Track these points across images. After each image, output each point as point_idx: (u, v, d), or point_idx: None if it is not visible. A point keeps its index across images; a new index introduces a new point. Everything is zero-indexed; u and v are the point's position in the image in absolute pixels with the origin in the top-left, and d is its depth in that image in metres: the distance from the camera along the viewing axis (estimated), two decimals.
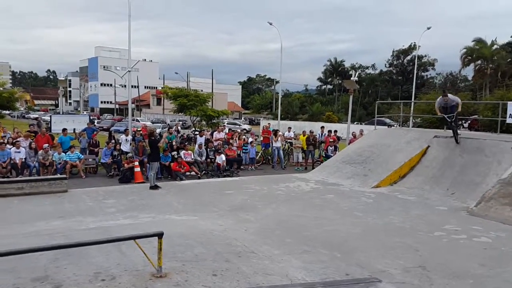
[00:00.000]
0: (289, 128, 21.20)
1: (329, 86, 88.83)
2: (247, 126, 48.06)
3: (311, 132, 18.55)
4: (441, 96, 12.59)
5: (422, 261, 6.23)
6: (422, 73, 73.28)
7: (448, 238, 7.46)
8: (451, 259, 6.34)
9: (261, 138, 19.51)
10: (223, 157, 15.85)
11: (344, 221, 8.63)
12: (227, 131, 20.72)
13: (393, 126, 24.85)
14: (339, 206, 10.03)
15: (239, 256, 6.14)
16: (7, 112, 44.99)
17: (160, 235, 4.97)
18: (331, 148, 17.66)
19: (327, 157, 17.14)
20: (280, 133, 18.80)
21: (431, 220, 8.71)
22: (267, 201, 10.48)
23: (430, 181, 11.82)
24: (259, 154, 18.73)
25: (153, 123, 44.28)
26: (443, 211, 9.53)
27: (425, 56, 73.48)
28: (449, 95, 12.65)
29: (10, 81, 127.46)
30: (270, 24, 31.90)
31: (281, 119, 33.74)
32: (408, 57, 76.67)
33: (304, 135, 18.50)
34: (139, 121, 42.62)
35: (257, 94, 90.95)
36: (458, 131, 12.84)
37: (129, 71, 22.12)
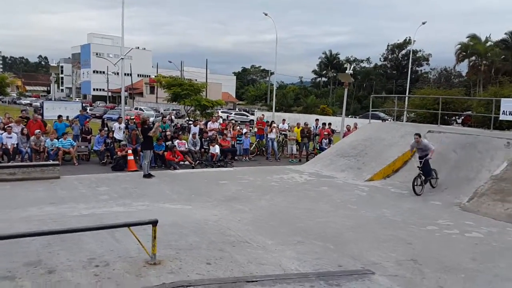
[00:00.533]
0: (284, 120, 21.17)
1: (323, 79, 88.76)
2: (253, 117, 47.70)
3: (305, 124, 18.54)
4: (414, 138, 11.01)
5: (414, 254, 6.28)
6: (417, 68, 73.53)
7: (441, 232, 7.53)
8: (443, 253, 6.40)
9: (255, 130, 19.46)
10: (217, 147, 15.80)
11: (338, 213, 8.68)
12: (221, 122, 20.64)
13: (387, 120, 24.91)
14: (332, 198, 10.08)
15: (233, 245, 6.14)
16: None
17: (154, 223, 4.95)
18: (325, 140, 17.68)
19: (321, 149, 17.17)
20: (274, 124, 18.77)
21: (423, 214, 8.79)
22: (261, 192, 10.49)
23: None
24: (253, 145, 18.70)
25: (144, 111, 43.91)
26: (436, 205, 9.62)
27: (420, 51, 73.76)
28: (424, 140, 11.07)
29: (1, 66, 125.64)
30: (266, 14, 31.65)
31: (276, 110, 33.69)
32: (403, 52, 76.85)
33: (298, 127, 18.48)
34: (143, 110, 41.61)
35: (252, 85, 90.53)
36: (432, 181, 10.94)
37: (122, 58, 21.83)
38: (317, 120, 20.83)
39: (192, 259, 5.34)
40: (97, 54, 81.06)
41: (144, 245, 4.95)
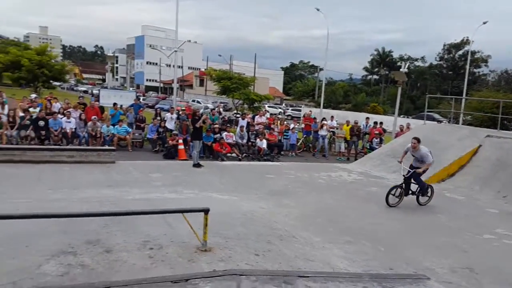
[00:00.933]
0: (332, 117, 20.83)
1: (375, 77, 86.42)
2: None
3: (355, 122, 18.13)
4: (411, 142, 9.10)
5: (470, 263, 5.97)
6: (474, 70, 69.68)
7: (499, 242, 7.10)
8: (503, 264, 6.03)
9: (303, 125, 19.28)
10: (264, 141, 15.85)
11: (388, 215, 8.41)
12: (268, 116, 20.68)
13: (443, 122, 23.81)
14: (382, 200, 9.77)
15: (281, 239, 6.13)
16: (58, 83, 46.95)
17: (206, 211, 5.04)
18: (376, 140, 17.21)
19: (372, 149, 16.74)
20: (325, 121, 18.51)
21: (480, 222, 8.32)
22: (308, 188, 10.39)
23: (480, 181, 11.26)
24: (300, 141, 18.57)
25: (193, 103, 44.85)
26: (493, 213, 9.08)
27: (478, 52, 69.70)
28: (423, 148, 8.84)
29: (61, 54, 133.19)
30: (318, 10, 31.21)
31: (324, 107, 33.18)
32: (460, 52, 73.07)
33: (348, 125, 18.12)
34: (200, 103, 42.36)
35: (299, 81, 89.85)
36: (421, 198, 9.18)
37: (175, 51, 22.43)
38: (367, 118, 20.31)
39: (241, 249, 5.40)
40: (150, 46, 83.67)
41: (195, 231, 5.05)
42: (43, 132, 13.76)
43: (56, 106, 16.69)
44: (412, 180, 8.94)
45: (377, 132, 17.55)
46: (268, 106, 43.73)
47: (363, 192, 10.37)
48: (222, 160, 14.23)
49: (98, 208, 6.41)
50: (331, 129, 18.84)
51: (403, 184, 8.93)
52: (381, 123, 18.90)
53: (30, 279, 4.06)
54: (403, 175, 8.88)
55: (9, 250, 4.73)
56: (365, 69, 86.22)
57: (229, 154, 15.03)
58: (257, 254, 5.30)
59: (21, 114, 14.41)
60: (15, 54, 31.97)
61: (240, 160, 14.89)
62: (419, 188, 9.07)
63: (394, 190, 8.84)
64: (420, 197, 9.17)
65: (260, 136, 16.14)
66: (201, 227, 5.15)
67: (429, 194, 9.27)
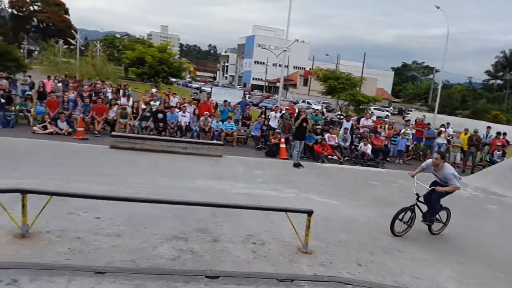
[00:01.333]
0: (448, 123, 19.15)
1: (498, 81, 77.23)
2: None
3: (475, 131, 16.40)
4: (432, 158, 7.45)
5: None
6: None
7: None
8: None
9: (413, 131, 18.07)
10: (369, 146, 15.25)
11: (509, 237, 7.48)
12: (374, 119, 19.82)
13: None
14: (502, 220, 8.74)
15: (385, 251, 5.85)
16: (174, 80, 51.07)
17: (310, 213, 5.04)
18: (498, 152, 15.38)
19: (492, 162, 15.02)
20: (443, 129, 17.09)
21: None
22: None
23: None
24: (410, 147, 17.42)
25: (295, 103, 45.07)
26: None
27: None
28: (447, 166, 7.16)
29: (178, 53, 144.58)
30: (438, 8, 28.92)
31: (438, 112, 30.71)
32: None
33: (466, 134, 16.49)
34: (310, 104, 42.10)
35: (411, 83, 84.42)
36: (434, 226, 7.28)
37: (284, 50, 22.76)
38: (488, 127, 18.24)
39: (342, 256, 5.28)
40: (259, 45, 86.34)
41: (297, 232, 5.08)
42: (161, 124, 15.08)
43: (174, 100, 18.17)
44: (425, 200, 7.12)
45: (499, 143, 15.67)
46: (374, 109, 41.99)
47: (479, 210, 9.37)
48: (323, 162, 14.07)
49: (207, 199, 6.80)
50: (447, 138, 17.32)
51: (415, 206, 7.00)
52: (504, 133, 16.85)
53: (146, 259, 4.49)
54: (416, 194, 6.99)
55: (130, 230, 5.28)
56: (488, 72, 77.38)
57: (330, 157, 14.79)
58: (360, 264, 5.13)
59: (143, 106, 16.04)
60: (140, 51, 35.68)
61: (341, 163, 14.55)
62: (429, 211, 7.09)
63: (403, 214, 6.89)
64: (431, 223, 7.16)
65: (364, 140, 15.57)
66: (302, 228, 5.16)
67: (444, 220, 7.39)
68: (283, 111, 17.76)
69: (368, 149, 15.11)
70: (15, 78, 21.02)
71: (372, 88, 61.33)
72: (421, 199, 6.95)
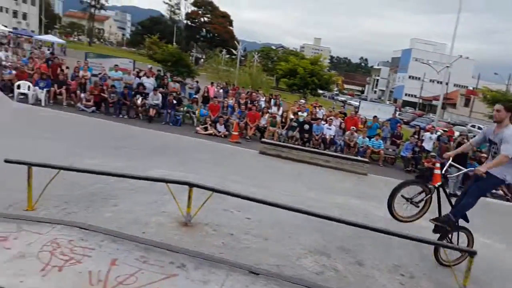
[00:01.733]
0: None
1: None
2: None
3: None
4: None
5: None
6: None
7: None
8: None
9: None
10: None
11: None
12: None
13: None
14: None
15: None
16: (321, 92, 51.56)
17: (472, 254, 4.46)
18: None
19: None
20: None
21: None
22: None
23: None
24: None
25: (454, 125, 40.61)
26: None
27: None
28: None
29: (329, 65, 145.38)
30: None
31: None
32: None
33: None
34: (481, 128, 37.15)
35: None
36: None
37: (447, 66, 20.88)
38: None
39: None
40: (416, 59, 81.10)
41: (456, 275, 4.55)
42: (306, 135, 15.37)
43: (320, 112, 18.35)
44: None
45: None
46: None
47: None
48: (485, 196, 12.35)
49: (350, 217, 6.63)
50: None
51: (440, 188, 5.31)
52: None
53: (290, 267, 4.58)
54: (443, 175, 5.44)
55: (276, 236, 5.47)
56: None
57: (494, 191, 12.90)
58: None
59: (291, 116, 16.58)
60: (294, 63, 37.09)
61: (508, 200, 12.57)
62: (458, 204, 5.17)
63: (411, 187, 5.13)
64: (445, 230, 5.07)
65: None
66: (459, 269, 4.60)
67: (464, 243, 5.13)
68: (439, 132, 16.26)
69: None
70: (185, 83, 24.05)
71: None
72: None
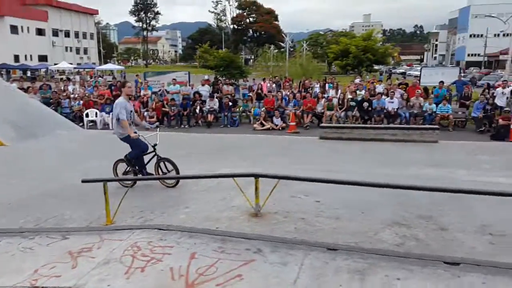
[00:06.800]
0: None
1: None
2: None
3: None
4: None
5: None
6: None
7: None
8: None
9: None
10: None
11: None
12: None
13: None
14: None
15: None
16: (377, 67, 49.29)
17: None
18: None
19: None
20: None
21: None
22: None
23: None
24: None
25: None
26: None
27: None
28: None
29: (382, 39, 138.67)
30: None
31: None
32: None
33: None
34: None
35: None
36: None
37: None
38: None
39: None
40: (476, 16, 75.09)
41: None
42: (367, 113, 14.84)
43: (380, 87, 17.64)
44: None
45: None
46: None
47: None
48: None
49: (425, 185, 6.31)
50: None
51: None
52: None
53: (369, 243, 4.44)
54: None
55: (349, 214, 5.36)
56: None
57: None
58: None
59: (349, 96, 16.11)
60: (345, 43, 36.09)
61: None
62: None
63: None
64: None
65: None
66: None
67: None
68: None
69: None
70: (238, 84, 24.38)
71: None
72: None
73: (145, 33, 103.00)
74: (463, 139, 12.14)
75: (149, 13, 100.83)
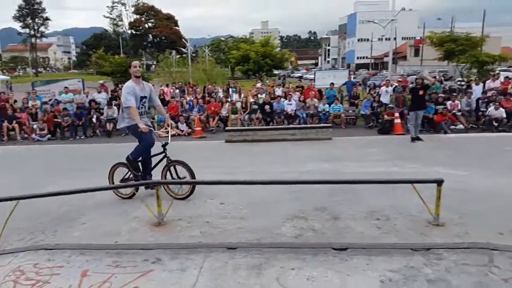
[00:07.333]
0: None
1: None
2: None
3: None
4: None
5: None
6: None
7: None
8: None
9: None
10: (502, 110, 13.48)
11: None
12: (502, 80, 17.47)
13: None
14: None
15: None
16: (277, 72, 51.52)
17: (439, 182, 4.64)
18: None
19: None
20: None
21: None
22: None
23: None
24: None
25: (408, 75, 41.73)
26: None
27: None
28: None
29: (279, 44, 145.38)
30: None
31: None
32: None
33: None
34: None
35: None
36: None
37: (392, 19, 21.33)
38: None
39: (479, 226, 4.75)
40: (362, 22, 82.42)
41: (426, 204, 4.72)
42: (268, 115, 15.41)
43: (278, 91, 18.43)
44: None
45: None
46: (500, 70, 36.89)
47: None
48: (445, 132, 12.88)
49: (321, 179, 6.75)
50: None
51: None
52: None
53: (270, 238, 4.62)
54: None
55: (252, 213, 5.50)
56: None
57: (453, 126, 13.47)
58: (502, 233, 4.54)
59: (251, 100, 16.57)
60: (245, 49, 37.02)
61: (466, 131, 13.16)
62: None
63: None
64: None
65: (496, 104, 13.78)
66: (431, 202, 4.77)
67: None
68: (394, 85, 16.68)
69: (502, 113, 13.39)
70: None
71: (496, 48, 53.82)
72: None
73: (33, 40, 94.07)
74: (354, 134, 13.27)
75: (36, 19, 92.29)
